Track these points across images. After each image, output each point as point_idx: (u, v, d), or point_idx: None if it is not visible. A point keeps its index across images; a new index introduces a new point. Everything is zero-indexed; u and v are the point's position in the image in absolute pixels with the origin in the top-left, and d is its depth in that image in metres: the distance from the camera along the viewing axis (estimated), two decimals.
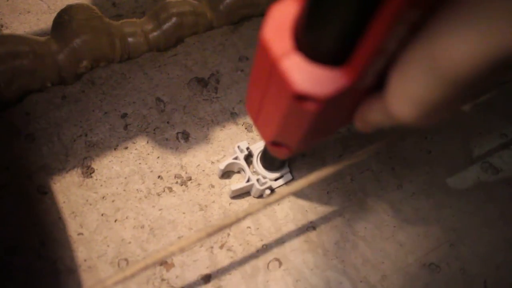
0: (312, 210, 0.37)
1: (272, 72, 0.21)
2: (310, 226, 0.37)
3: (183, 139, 0.39)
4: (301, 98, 0.20)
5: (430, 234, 0.38)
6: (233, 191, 0.36)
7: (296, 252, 0.36)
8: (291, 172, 0.38)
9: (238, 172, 0.38)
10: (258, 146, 0.38)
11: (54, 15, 0.39)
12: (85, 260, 0.34)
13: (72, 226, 0.35)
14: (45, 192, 0.35)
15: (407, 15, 0.16)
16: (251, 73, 0.24)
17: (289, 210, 0.37)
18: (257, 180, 0.36)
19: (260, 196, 0.37)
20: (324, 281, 0.35)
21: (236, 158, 0.37)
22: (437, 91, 0.18)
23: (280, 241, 0.36)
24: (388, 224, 0.38)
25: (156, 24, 0.42)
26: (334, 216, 0.38)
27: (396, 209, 0.38)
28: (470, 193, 0.40)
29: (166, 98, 0.40)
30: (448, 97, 0.18)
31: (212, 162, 0.38)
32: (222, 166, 0.36)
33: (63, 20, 0.38)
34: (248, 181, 0.36)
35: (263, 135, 0.28)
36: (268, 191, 0.37)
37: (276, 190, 0.38)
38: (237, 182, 0.38)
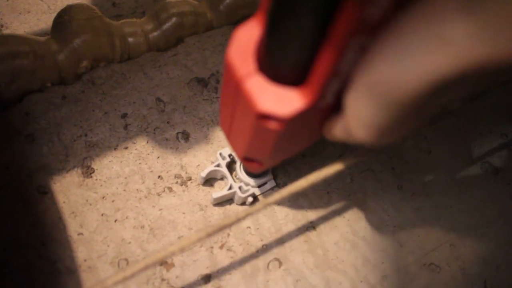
0: (312, 210, 0.37)
1: (238, 92, 0.21)
2: (310, 226, 0.37)
3: (183, 139, 0.39)
4: (264, 117, 0.21)
5: (430, 234, 0.38)
6: (215, 199, 0.36)
7: (296, 252, 0.36)
8: (275, 178, 0.38)
9: (221, 179, 0.38)
10: None
11: (54, 15, 0.39)
12: (85, 260, 0.34)
13: (72, 226, 0.35)
14: (45, 192, 0.35)
15: (355, 40, 0.17)
16: (221, 91, 0.25)
17: (289, 210, 0.37)
18: (239, 187, 0.36)
19: (243, 203, 0.37)
20: (324, 281, 0.35)
21: (218, 165, 0.36)
22: (384, 115, 0.18)
23: (280, 241, 0.36)
24: (388, 224, 0.38)
25: (156, 24, 0.42)
26: (334, 216, 0.38)
27: (396, 209, 0.38)
28: (470, 193, 0.40)
29: (166, 98, 0.40)
30: (397, 120, 0.18)
31: (212, 162, 0.38)
32: (203, 173, 0.36)
33: (63, 20, 0.38)
34: (230, 188, 0.36)
35: (236, 151, 0.30)
36: (250, 199, 0.36)
37: (278, 190, 0.38)
38: (220, 189, 0.38)
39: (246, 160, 0.29)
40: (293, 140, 0.26)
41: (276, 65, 0.20)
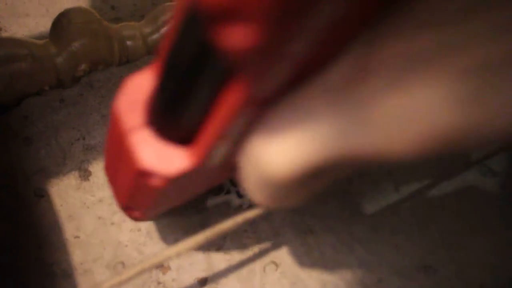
0: (309, 213, 0.37)
1: (122, 144, 0.21)
2: (307, 229, 0.37)
3: None
4: (145, 174, 0.20)
5: (427, 237, 0.38)
6: (212, 202, 0.36)
7: (293, 255, 0.36)
8: None
9: None
10: None
11: (52, 18, 0.39)
12: (81, 264, 0.34)
13: (69, 229, 0.35)
14: (42, 195, 0.36)
15: (243, 111, 0.16)
16: (106, 138, 0.24)
17: (286, 213, 0.37)
18: (237, 192, 0.36)
19: (240, 207, 0.37)
20: (320, 284, 0.35)
21: None
22: (264, 188, 0.18)
23: (277, 244, 0.36)
24: (385, 227, 0.38)
25: (155, 27, 0.42)
26: (331, 219, 0.38)
27: (393, 211, 0.38)
28: (468, 196, 0.40)
29: None
30: (279, 194, 0.18)
31: None
32: None
33: (62, 24, 0.38)
34: (228, 192, 0.36)
35: (117, 199, 0.28)
36: (248, 203, 0.36)
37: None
38: (218, 193, 0.37)
39: (127, 209, 0.28)
40: (179, 194, 0.26)
41: (165, 121, 0.19)
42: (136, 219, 0.29)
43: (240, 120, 0.17)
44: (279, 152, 0.16)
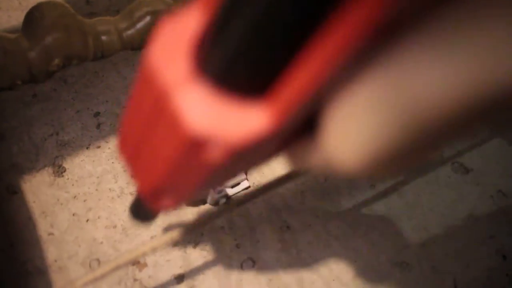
0: (286, 210, 0.38)
1: (161, 106, 0.15)
2: (284, 226, 0.37)
3: None
4: (199, 143, 0.14)
5: (402, 233, 0.38)
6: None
7: (270, 252, 0.36)
8: (248, 178, 0.38)
9: None
10: None
11: (25, 12, 0.38)
12: (55, 261, 0.33)
13: (43, 226, 0.34)
14: (15, 191, 0.35)
15: (367, 44, 0.12)
16: (127, 108, 0.18)
17: (263, 210, 0.37)
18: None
19: (216, 203, 0.37)
20: (297, 280, 0.35)
21: None
22: (395, 135, 0.13)
23: (253, 241, 0.36)
24: (361, 223, 0.38)
25: (130, 22, 0.41)
26: (308, 215, 0.38)
27: (369, 208, 0.39)
28: (441, 193, 0.41)
29: None
30: (409, 143, 0.13)
31: None
32: None
33: (35, 17, 0.37)
34: None
35: (142, 183, 0.20)
36: (224, 199, 0.36)
37: (251, 190, 0.38)
38: None
39: (156, 195, 0.20)
40: (238, 169, 0.19)
41: (226, 66, 0.13)
42: (163, 208, 0.22)
43: (356, 59, 0.12)
44: (434, 84, 0.12)
